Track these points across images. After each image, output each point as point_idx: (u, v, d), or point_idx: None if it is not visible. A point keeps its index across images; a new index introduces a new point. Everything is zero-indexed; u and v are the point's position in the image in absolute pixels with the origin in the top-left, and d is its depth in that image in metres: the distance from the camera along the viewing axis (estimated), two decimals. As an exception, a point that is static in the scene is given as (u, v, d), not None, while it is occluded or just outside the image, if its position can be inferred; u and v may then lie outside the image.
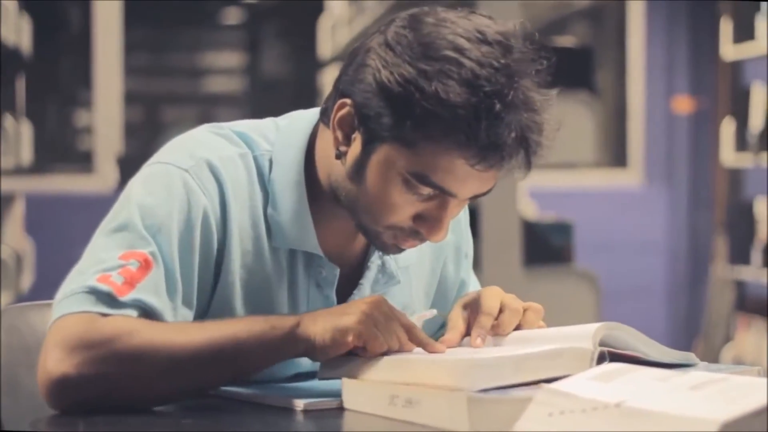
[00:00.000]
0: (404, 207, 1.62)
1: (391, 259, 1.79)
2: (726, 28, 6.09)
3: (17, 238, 5.78)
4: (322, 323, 1.54)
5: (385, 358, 1.53)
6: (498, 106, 1.54)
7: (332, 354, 1.56)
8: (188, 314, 1.63)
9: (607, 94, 7.47)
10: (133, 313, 1.56)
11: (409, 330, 1.58)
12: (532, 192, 5.77)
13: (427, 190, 1.61)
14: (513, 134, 1.56)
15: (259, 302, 1.69)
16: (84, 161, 6.96)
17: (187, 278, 1.63)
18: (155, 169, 1.67)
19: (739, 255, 6.10)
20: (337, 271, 1.74)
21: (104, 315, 1.54)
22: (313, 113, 1.76)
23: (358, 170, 1.64)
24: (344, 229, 1.74)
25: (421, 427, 1.42)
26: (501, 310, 1.65)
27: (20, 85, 5.78)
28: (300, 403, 1.55)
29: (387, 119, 1.58)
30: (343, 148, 1.65)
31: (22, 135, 5.59)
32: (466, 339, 1.66)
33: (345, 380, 1.55)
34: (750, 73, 6.31)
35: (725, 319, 6.40)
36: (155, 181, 1.65)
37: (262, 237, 1.70)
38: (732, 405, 1.19)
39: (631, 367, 1.37)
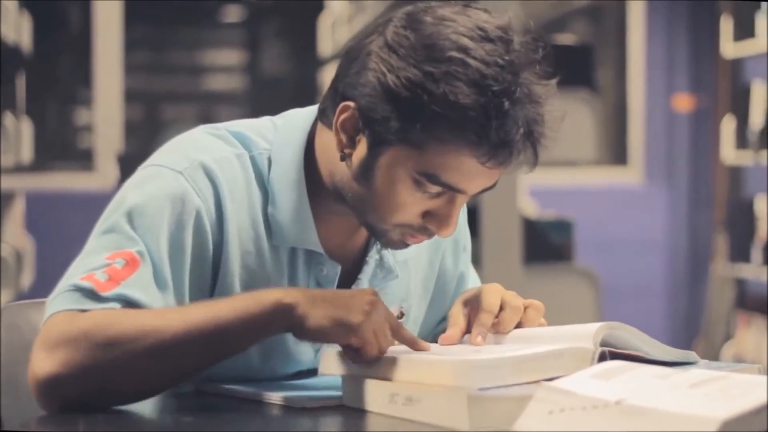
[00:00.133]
0: (413, 205, 1.63)
1: (389, 254, 1.79)
2: (726, 25, 6.08)
3: (17, 236, 5.78)
4: (324, 309, 1.52)
5: (386, 356, 1.53)
6: (506, 104, 1.55)
7: (322, 341, 1.55)
8: None
9: (607, 92, 7.47)
10: (116, 307, 1.55)
11: (397, 330, 1.57)
12: (532, 190, 5.77)
13: (436, 188, 1.61)
14: (521, 130, 1.57)
15: None
16: (84, 159, 6.96)
17: (178, 279, 1.62)
18: (149, 171, 1.67)
19: (740, 253, 6.10)
20: (339, 268, 1.74)
21: (85, 311, 1.54)
22: (309, 111, 1.75)
23: (364, 172, 1.63)
24: (344, 226, 1.74)
25: (421, 425, 1.42)
26: (502, 308, 1.65)
27: (20, 83, 5.78)
28: (300, 401, 1.55)
29: (394, 123, 1.58)
30: (347, 151, 1.65)
31: (23, 133, 5.59)
32: (467, 336, 1.66)
33: (345, 378, 1.55)
34: (750, 71, 6.31)
35: (725, 317, 6.40)
36: (148, 183, 1.65)
37: (261, 236, 1.70)
38: (732, 403, 1.19)
39: (632, 365, 1.37)
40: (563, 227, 4.84)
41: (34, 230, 6.19)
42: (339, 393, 1.55)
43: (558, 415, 1.27)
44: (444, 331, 1.69)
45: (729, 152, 6.08)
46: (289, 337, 1.56)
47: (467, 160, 1.58)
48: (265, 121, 1.78)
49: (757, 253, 5.92)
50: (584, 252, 5.60)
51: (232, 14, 7.88)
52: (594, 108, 4.78)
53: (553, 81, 1.62)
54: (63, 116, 7.46)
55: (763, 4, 5.61)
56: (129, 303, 1.56)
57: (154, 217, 1.61)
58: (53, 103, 7.33)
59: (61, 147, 7.22)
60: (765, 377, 1.28)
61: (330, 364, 1.58)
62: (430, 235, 1.67)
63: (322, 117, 1.71)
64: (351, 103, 1.63)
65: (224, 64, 7.86)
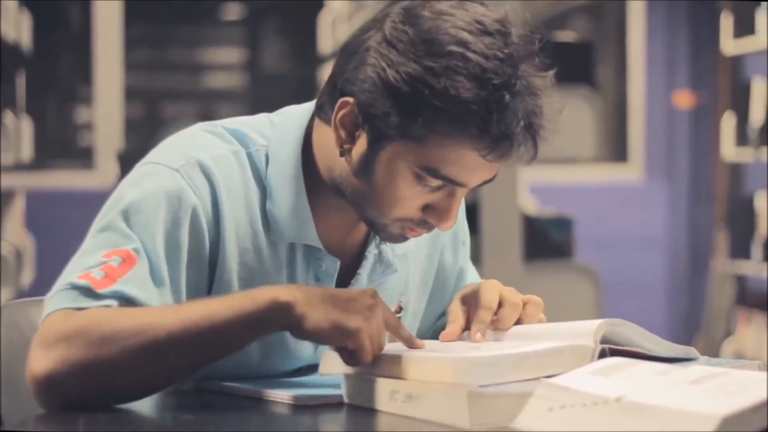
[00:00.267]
0: (413, 199, 1.63)
1: (387, 248, 1.79)
2: (726, 22, 6.08)
3: (17, 234, 5.78)
4: (322, 311, 1.51)
5: (386, 354, 1.53)
6: (507, 97, 1.56)
7: (318, 341, 1.55)
8: None
9: (607, 89, 7.47)
10: (113, 304, 1.55)
11: (396, 330, 1.57)
12: (532, 187, 5.77)
13: (436, 182, 1.61)
14: (521, 122, 1.57)
15: None
16: (84, 157, 6.96)
17: (175, 276, 1.62)
18: (146, 169, 1.67)
19: (740, 249, 6.10)
20: (338, 263, 1.74)
21: (82, 309, 1.54)
22: (306, 107, 1.76)
23: (364, 167, 1.64)
24: (343, 221, 1.74)
25: (422, 423, 1.42)
26: (501, 305, 1.65)
27: (20, 82, 5.78)
28: (300, 398, 1.55)
29: (395, 118, 1.58)
30: (347, 146, 1.65)
31: (23, 131, 5.59)
32: (466, 333, 1.66)
33: (345, 375, 1.55)
34: (750, 68, 6.31)
35: (726, 314, 6.40)
36: (145, 181, 1.65)
37: (259, 233, 1.70)
38: (732, 399, 1.19)
39: (631, 361, 1.37)
40: (563, 224, 4.84)
41: (34, 228, 6.19)
42: (339, 390, 1.55)
43: (558, 411, 1.27)
44: (444, 327, 1.69)
45: (729, 149, 6.08)
46: (288, 334, 1.56)
47: (468, 154, 1.58)
48: (262, 118, 1.78)
49: (757, 250, 5.93)
50: (584, 249, 5.59)
51: (232, 12, 7.88)
52: (594, 105, 4.77)
53: (551, 73, 1.62)
54: (63, 114, 7.46)
55: (763, 2, 5.61)
56: (125, 300, 1.56)
57: (150, 214, 1.61)
58: (53, 101, 7.33)
59: (62, 145, 7.22)
60: (765, 374, 1.28)
61: (330, 365, 1.58)
62: (430, 228, 1.67)
63: (320, 113, 1.71)
64: (350, 99, 1.63)
65: (224, 61, 7.87)
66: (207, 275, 1.67)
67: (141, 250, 1.59)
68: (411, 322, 1.85)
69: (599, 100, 5.59)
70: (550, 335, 1.56)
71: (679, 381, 1.28)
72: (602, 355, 1.50)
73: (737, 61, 6.41)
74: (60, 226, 6.21)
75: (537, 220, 4.79)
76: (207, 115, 7.39)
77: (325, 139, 1.69)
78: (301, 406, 1.54)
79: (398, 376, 1.49)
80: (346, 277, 1.76)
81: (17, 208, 5.86)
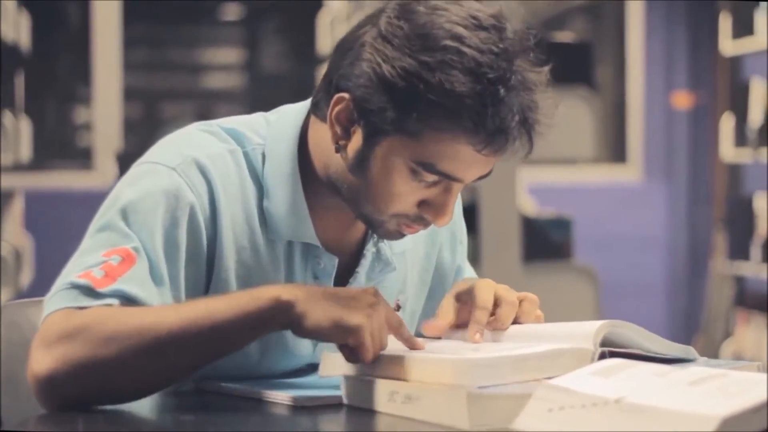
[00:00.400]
0: (409, 195, 1.63)
1: (386, 247, 1.79)
2: (725, 23, 6.08)
3: (16, 235, 5.78)
4: (323, 308, 1.51)
5: (386, 355, 1.53)
6: (502, 91, 1.56)
7: (319, 340, 1.55)
8: None
9: (606, 89, 7.47)
10: (114, 302, 1.55)
11: (396, 329, 1.57)
12: (531, 188, 5.77)
13: (432, 177, 1.62)
14: (516, 117, 1.58)
15: None
16: (83, 158, 6.95)
17: (174, 274, 1.62)
18: (143, 168, 1.68)
19: (739, 250, 6.10)
20: (336, 261, 1.74)
21: (83, 308, 1.54)
22: (302, 106, 1.76)
23: (360, 163, 1.64)
24: (341, 219, 1.74)
25: (421, 424, 1.42)
26: (497, 304, 1.65)
27: (19, 82, 5.77)
28: (299, 399, 1.55)
29: (390, 113, 1.59)
30: (342, 142, 1.65)
31: (22, 132, 5.59)
32: (462, 333, 1.66)
33: (345, 376, 1.55)
34: (749, 68, 6.31)
35: (725, 315, 6.40)
36: (142, 180, 1.65)
37: (256, 231, 1.70)
38: (732, 401, 1.19)
39: (631, 362, 1.37)
40: (562, 225, 4.84)
41: (34, 229, 6.18)
42: (338, 391, 1.55)
43: (557, 413, 1.27)
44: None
45: (728, 150, 6.08)
46: (288, 332, 1.56)
47: (463, 148, 1.58)
48: (258, 117, 1.78)
49: (756, 251, 5.93)
50: (583, 250, 5.59)
51: (231, 12, 7.88)
52: (593, 105, 4.77)
53: (546, 68, 1.62)
54: (62, 115, 7.45)
55: (762, 2, 5.61)
56: (126, 298, 1.56)
57: (148, 213, 1.61)
58: (52, 101, 7.32)
59: (60, 145, 7.22)
60: (764, 375, 1.28)
61: (330, 366, 1.58)
62: (426, 224, 1.68)
63: (316, 110, 1.71)
64: (345, 95, 1.63)
65: (223, 62, 7.86)
66: (205, 273, 1.67)
67: (140, 249, 1.59)
68: (409, 321, 1.85)
69: (598, 101, 5.58)
70: (550, 336, 1.56)
71: (678, 382, 1.28)
72: (602, 358, 1.50)
73: (736, 62, 6.41)
74: (59, 227, 6.21)
75: (536, 221, 4.80)
76: (206, 116, 7.38)
77: (321, 136, 1.69)
78: (300, 407, 1.54)
79: (398, 377, 1.49)
80: (344, 276, 1.76)
81: (16, 209, 5.86)
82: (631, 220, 7.31)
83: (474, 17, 1.59)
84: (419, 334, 1.70)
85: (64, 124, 7.43)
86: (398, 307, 1.83)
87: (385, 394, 1.48)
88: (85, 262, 1.58)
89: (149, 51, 7.74)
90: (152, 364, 1.51)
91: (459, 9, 1.60)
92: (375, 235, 1.77)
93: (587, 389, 1.28)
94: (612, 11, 7.63)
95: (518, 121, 1.58)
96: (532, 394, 1.31)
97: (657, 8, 7.39)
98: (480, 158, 1.60)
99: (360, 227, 1.78)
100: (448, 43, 1.57)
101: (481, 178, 1.65)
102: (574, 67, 4.79)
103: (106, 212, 1.63)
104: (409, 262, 1.85)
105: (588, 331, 1.52)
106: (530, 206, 5.21)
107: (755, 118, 5.83)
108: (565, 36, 6.60)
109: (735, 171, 6.51)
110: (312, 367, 1.73)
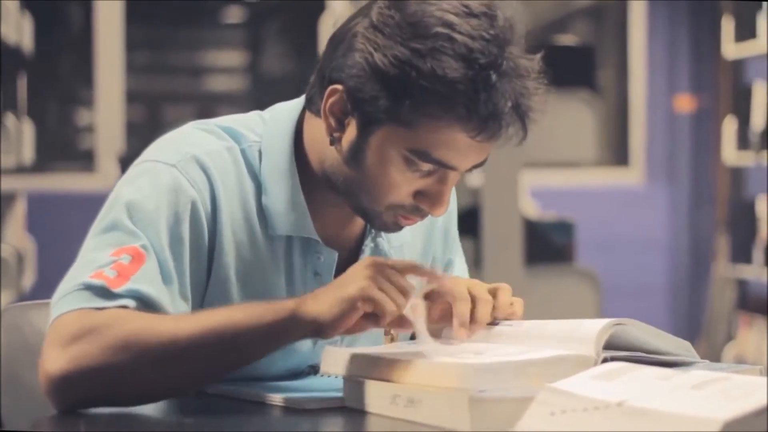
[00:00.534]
0: (405, 185, 1.64)
1: (384, 241, 1.80)
2: (727, 26, 6.08)
3: (18, 237, 5.78)
4: (325, 299, 1.52)
5: (388, 358, 1.53)
6: (494, 77, 1.57)
7: (343, 327, 1.52)
8: (185, 307, 1.62)
9: (608, 92, 7.47)
10: (130, 303, 1.55)
11: (413, 269, 1.55)
12: (533, 191, 5.77)
13: (427, 166, 1.62)
14: (509, 103, 1.58)
15: (256, 292, 1.69)
16: (85, 160, 6.95)
17: (180, 271, 1.63)
18: (142, 167, 1.68)
19: (741, 254, 6.10)
20: (336, 255, 1.74)
21: (99, 309, 1.54)
22: (296, 102, 1.77)
23: (355, 154, 1.64)
24: (339, 214, 1.74)
25: (423, 427, 1.42)
26: (472, 302, 1.63)
27: (21, 84, 5.77)
28: (301, 402, 1.54)
29: (384, 102, 1.59)
30: (337, 134, 1.66)
31: (24, 134, 5.59)
32: (447, 330, 1.63)
33: (346, 379, 1.55)
34: (751, 72, 6.31)
35: (727, 318, 6.40)
36: (142, 178, 1.65)
37: (255, 227, 1.70)
38: (733, 404, 1.19)
39: (633, 366, 1.37)
40: (564, 228, 4.84)
41: (36, 231, 6.18)
42: (340, 394, 1.55)
43: (560, 416, 1.27)
44: None
45: (730, 153, 6.08)
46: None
47: (457, 135, 1.59)
48: (253, 115, 1.79)
49: (758, 254, 5.92)
50: (585, 253, 5.60)
51: (233, 15, 7.88)
52: (595, 109, 4.77)
53: (538, 55, 1.62)
54: (64, 117, 7.45)
55: (765, 5, 5.61)
56: (141, 298, 1.56)
57: (152, 211, 1.62)
58: (54, 103, 7.32)
59: (62, 148, 7.22)
60: (766, 379, 1.28)
61: (331, 362, 1.58)
62: (423, 215, 1.68)
63: (310, 105, 1.72)
64: (339, 86, 1.64)
65: (225, 64, 7.86)
66: (206, 269, 1.67)
67: (149, 246, 1.60)
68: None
69: (600, 104, 5.58)
70: (551, 337, 1.55)
71: (680, 386, 1.28)
72: (605, 362, 1.49)
73: (738, 65, 6.41)
74: (61, 229, 6.21)
75: (538, 224, 4.80)
76: (208, 118, 7.37)
77: (316, 131, 1.70)
78: (300, 410, 1.54)
79: (399, 380, 1.49)
80: (343, 272, 1.76)
81: (18, 211, 5.86)
82: (634, 223, 7.31)
83: (465, 5, 1.60)
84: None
85: (66, 126, 7.43)
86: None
87: (387, 397, 1.48)
88: (95, 262, 1.58)
89: (151, 53, 7.74)
90: (168, 370, 1.52)
91: None
92: (373, 230, 1.77)
93: (589, 392, 1.28)
94: (614, 14, 7.63)
95: (511, 106, 1.59)
96: (535, 397, 1.31)
97: (659, 11, 7.39)
98: (474, 145, 1.60)
99: (358, 223, 1.78)
100: (440, 30, 1.57)
101: (475, 166, 1.65)
102: (576, 70, 4.79)
103: (109, 212, 1.63)
104: (407, 256, 1.85)
105: (589, 334, 1.51)
106: (532, 209, 5.22)
107: (758, 122, 5.83)
108: (567, 39, 6.60)
109: (737, 174, 6.51)
110: (312, 368, 1.73)
